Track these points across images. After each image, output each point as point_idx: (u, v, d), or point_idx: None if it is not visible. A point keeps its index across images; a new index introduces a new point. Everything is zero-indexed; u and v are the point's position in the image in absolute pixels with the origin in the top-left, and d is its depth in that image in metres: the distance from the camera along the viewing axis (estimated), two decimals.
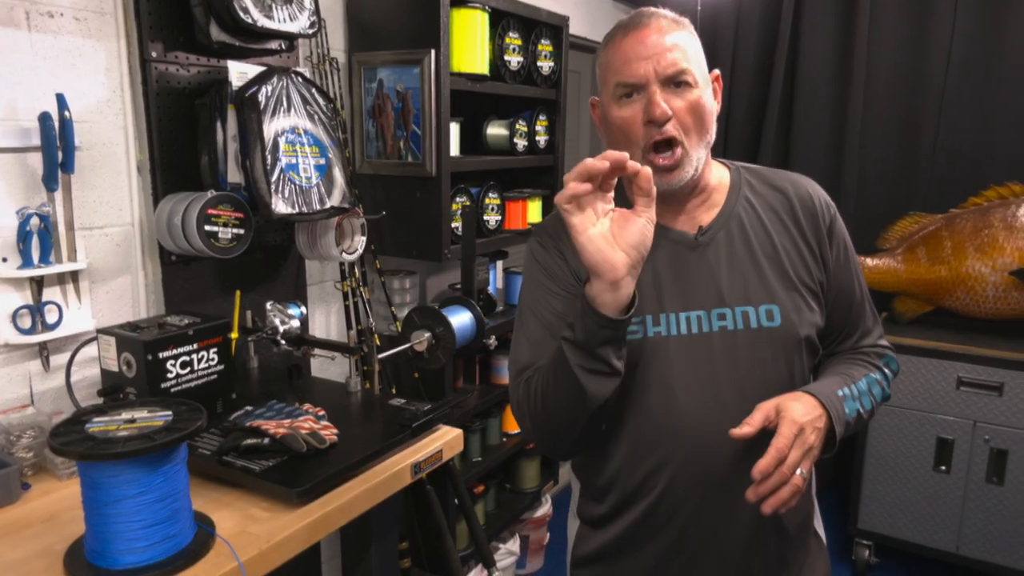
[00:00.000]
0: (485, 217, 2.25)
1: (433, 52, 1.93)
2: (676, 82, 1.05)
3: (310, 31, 1.70)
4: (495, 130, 2.40)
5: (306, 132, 1.67)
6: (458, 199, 2.13)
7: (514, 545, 2.78)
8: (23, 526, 1.15)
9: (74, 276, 1.48)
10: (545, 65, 2.43)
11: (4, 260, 1.37)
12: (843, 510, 2.98)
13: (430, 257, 2.05)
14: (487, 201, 2.25)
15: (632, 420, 1.10)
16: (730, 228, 1.14)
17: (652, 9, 1.10)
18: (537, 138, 2.47)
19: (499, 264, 2.44)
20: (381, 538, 1.46)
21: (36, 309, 1.41)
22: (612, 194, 0.93)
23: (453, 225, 2.11)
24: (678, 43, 1.06)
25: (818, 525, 1.27)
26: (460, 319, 1.66)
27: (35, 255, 1.39)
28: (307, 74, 1.71)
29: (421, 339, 1.63)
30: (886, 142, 3.17)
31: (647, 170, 0.90)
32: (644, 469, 1.10)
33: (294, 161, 1.63)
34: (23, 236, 1.37)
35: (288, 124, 1.63)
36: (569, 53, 2.57)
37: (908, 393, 2.73)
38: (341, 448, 1.35)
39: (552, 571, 3.00)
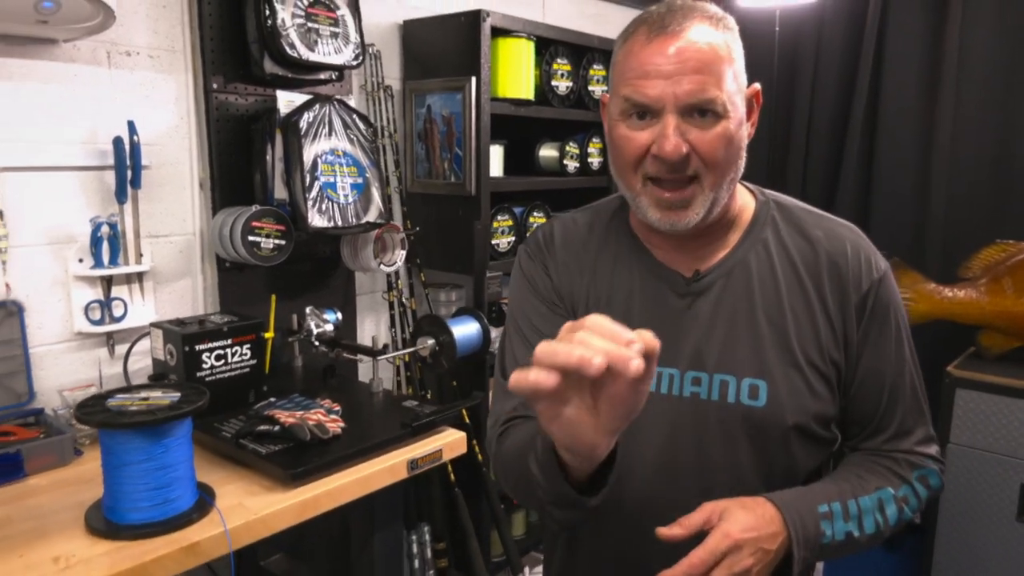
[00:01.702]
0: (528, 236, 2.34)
1: (473, 79, 2.06)
2: (701, 111, 0.86)
3: (354, 63, 1.87)
4: (546, 152, 2.49)
5: (346, 154, 1.84)
6: (500, 217, 2.24)
7: None
8: (67, 485, 1.36)
9: (139, 277, 1.71)
10: (597, 89, 2.51)
11: (80, 261, 1.62)
12: (915, 563, 2.80)
13: (470, 272, 2.17)
14: (531, 220, 2.35)
15: None
16: (732, 276, 0.96)
17: (689, 2, 0.90)
18: (590, 160, 2.54)
19: None
20: (384, 527, 1.58)
21: (105, 304, 1.65)
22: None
23: (494, 242, 2.23)
24: (711, 59, 0.85)
25: None
26: (465, 329, 1.76)
27: (105, 257, 1.63)
28: (360, 101, 1.89)
29: (425, 345, 1.75)
30: (978, 165, 2.98)
31: (640, 365, 0.61)
32: (592, 531, 1.01)
33: (332, 180, 1.80)
34: (95, 241, 1.61)
35: (328, 147, 1.80)
36: None
37: (989, 435, 2.54)
38: (343, 440, 1.48)
39: None
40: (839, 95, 3.35)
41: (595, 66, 2.49)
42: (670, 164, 0.86)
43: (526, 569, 2.65)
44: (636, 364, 0.60)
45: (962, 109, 2.98)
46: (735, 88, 0.88)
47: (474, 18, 2.06)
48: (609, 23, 3.06)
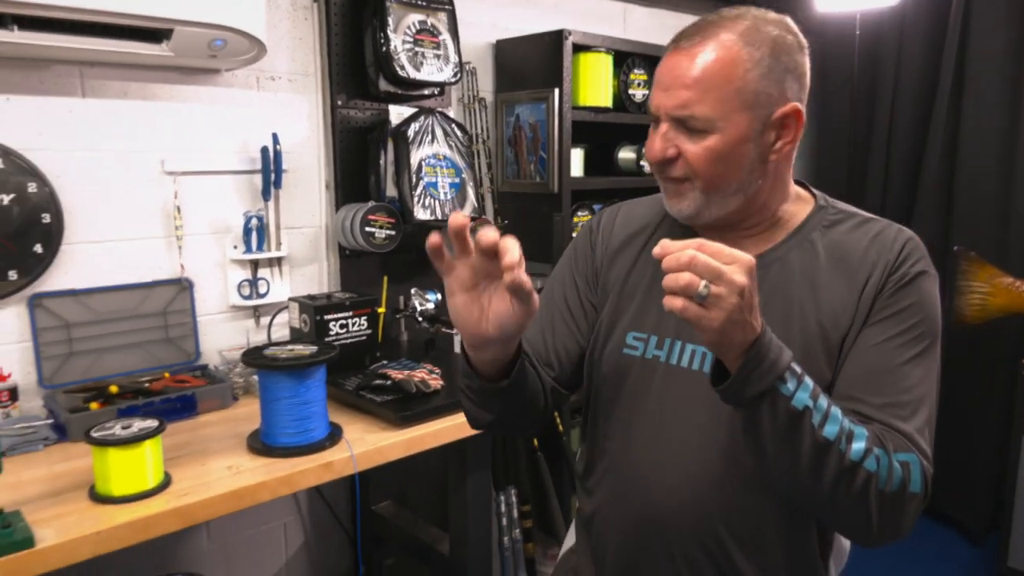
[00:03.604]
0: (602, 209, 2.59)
1: (556, 90, 2.34)
2: (687, 124, 0.94)
3: (453, 79, 2.19)
4: (624, 154, 2.73)
5: (445, 158, 2.15)
6: (580, 213, 2.50)
7: None
8: (229, 421, 1.72)
9: (279, 261, 2.08)
10: None
11: (235, 247, 2.00)
12: (992, 545, 2.84)
13: (551, 259, 2.44)
14: None
15: (606, 432, 1.11)
16: (770, 272, 1.00)
17: (714, 19, 0.97)
18: None
19: None
20: (475, 471, 1.86)
21: (252, 283, 2.03)
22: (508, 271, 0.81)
23: (575, 235, 2.48)
24: (704, 76, 0.92)
25: None
26: None
27: (253, 244, 2.00)
28: (458, 112, 2.19)
29: None
30: None
31: (516, 277, 0.81)
32: (601, 493, 1.12)
33: (434, 180, 2.12)
34: (246, 231, 1.99)
35: (431, 152, 2.12)
36: None
37: None
38: (442, 394, 1.78)
39: None
40: (921, 96, 3.41)
41: None
42: (656, 165, 0.99)
43: None
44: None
45: None
46: (736, 106, 0.93)
47: (557, 37, 2.33)
48: None
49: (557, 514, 2.41)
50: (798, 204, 1.06)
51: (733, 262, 0.78)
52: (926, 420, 0.93)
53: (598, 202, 2.60)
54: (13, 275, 1.66)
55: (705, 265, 0.77)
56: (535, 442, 2.42)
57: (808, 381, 0.85)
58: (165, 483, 1.37)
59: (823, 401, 0.85)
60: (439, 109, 2.18)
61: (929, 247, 1.01)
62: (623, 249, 1.15)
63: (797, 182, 1.09)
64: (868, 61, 3.55)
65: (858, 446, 0.85)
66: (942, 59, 3.26)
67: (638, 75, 2.61)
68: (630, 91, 2.59)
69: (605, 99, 2.49)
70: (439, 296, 2.17)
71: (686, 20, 3.25)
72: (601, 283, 1.16)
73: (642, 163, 2.70)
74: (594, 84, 2.46)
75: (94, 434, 1.31)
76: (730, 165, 0.96)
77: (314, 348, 1.58)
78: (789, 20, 1.00)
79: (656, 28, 3.12)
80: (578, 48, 2.40)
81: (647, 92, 2.64)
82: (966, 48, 3.20)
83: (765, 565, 1.01)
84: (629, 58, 2.58)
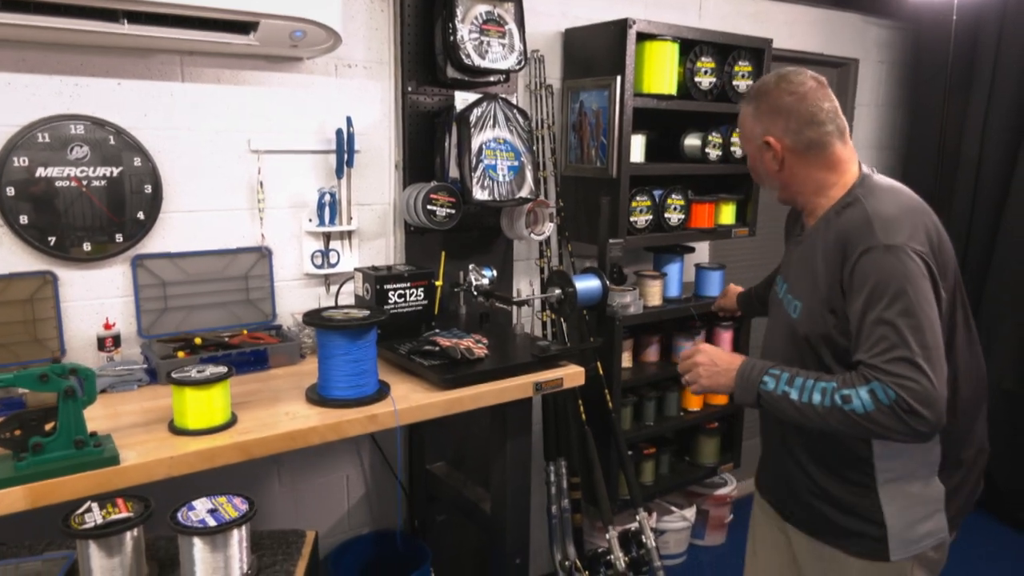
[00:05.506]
0: (667, 215, 2.65)
1: (619, 77, 2.41)
2: None
3: (517, 67, 2.30)
4: (690, 141, 2.76)
5: (505, 141, 2.27)
6: (639, 198, 2.57)
7: (689, 513, 3.09)
8: (295, 376, 1.92)
9: (349, 235, 2.27)
10: (742, 84, 2.73)
11: (309, 220, 2.20)
12: None
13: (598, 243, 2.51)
14: (669, 201, 2.64)
15: None
16: (808, 239, 1.52)
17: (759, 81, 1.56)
18: (733, 149, 2.76)
19: (686, 257, 2.81)
20: (514, 435, 1.99)
21: (324, 253, 2.22)
22: None
23: (632, 219, 2.55)
24: (739, 125, 1.59)
25: (884, 502, 1.46)
26: (587, 283, 2.11)
27: (326, 219, 2.20)
28: (525, 98, 2.30)
29: (552, 294, 2.13)
30: None
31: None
32: None
33: (493, 163, 2.24)
34: (320, 206, 2.18)
35: (492, 136, 2.24)
36: (772, 68, 2.82)
37: None
38: (486, 362, 1.91)
39: (733, 548, 3.22)
40: (1021, 85, 3.24)
41: (740, 63, 2.71)
42: None
43: (653, 514, 2.96)
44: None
45: None
46: (746, 140, 1.57)
47: (622, 25, 2.39)
48: (768, 21, 3.23)
49: (600, 484, 2.50)
50: (832, 197, 1.49)
51: (693, 355, 1.53)
52: (901, 352, 1.27)
53: (659, 187, 2.65)
54: (119, 238, 1.92)
55: (684, 366, 1.56)
56: (583, 416, 2.52)
57: (784, 374, 1.39)
58: (231, 422, 1.57)
59: (797, 381, 1.37)
60: (503, 95, 2.30)
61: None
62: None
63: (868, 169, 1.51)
64: (965, 48, 3.39)
65: (817, 398, 1.34)
66: None
67: (705, 63, 2.63)
68: (696, 79, 2.62)
69: (669, 86, 2.53)
70: (494, 273, 2.30)
71: (763, 7, 3.22)
72: None
73: (707, 150, 2.72)
74: (659, 72, 2.51)
75: (174, 375, 1.53)
76: (756, 172, 1.59)
77: (366, 312, 1.75)
78: (795, 72, 1.49)
79: (734, 15, 3.11)
80: (643, 36, 2.45)
81: (714, 80, 2.66)
82: None
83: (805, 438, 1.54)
84: (696, 46, 2.60)
